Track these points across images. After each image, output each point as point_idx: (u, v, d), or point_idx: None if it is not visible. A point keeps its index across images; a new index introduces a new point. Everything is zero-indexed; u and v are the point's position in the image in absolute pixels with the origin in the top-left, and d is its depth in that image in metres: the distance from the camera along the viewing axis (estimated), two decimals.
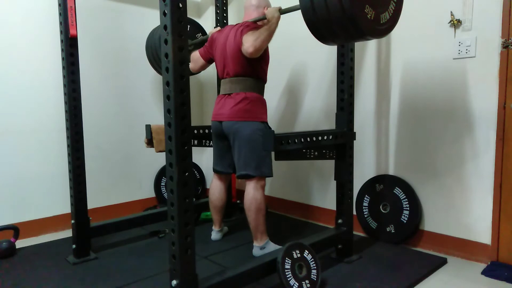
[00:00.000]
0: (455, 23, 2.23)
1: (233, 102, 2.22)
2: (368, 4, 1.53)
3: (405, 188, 2.47)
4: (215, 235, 2.63)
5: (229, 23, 3.22)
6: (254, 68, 2.24)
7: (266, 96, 2.39)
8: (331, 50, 2.74)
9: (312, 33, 1.67)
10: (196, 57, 2.52)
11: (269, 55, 2.35)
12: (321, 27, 1.62)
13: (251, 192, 2.22)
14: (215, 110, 2.35)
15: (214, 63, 2.47)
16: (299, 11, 1.68)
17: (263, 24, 2.25)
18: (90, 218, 2.35)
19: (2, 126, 2.64)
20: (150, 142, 2.53)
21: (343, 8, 1.48)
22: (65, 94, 2.25)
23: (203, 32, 2.98)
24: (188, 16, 1.46)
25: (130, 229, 2.65)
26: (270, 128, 2.27)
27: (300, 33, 2.98)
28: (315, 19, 1.59)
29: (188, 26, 2.76)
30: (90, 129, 2.82)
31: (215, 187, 2.55)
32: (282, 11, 2.14)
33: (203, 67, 2.54)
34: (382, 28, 1.62)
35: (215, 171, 2.52)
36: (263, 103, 2.29)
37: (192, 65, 2.54)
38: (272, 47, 2.57)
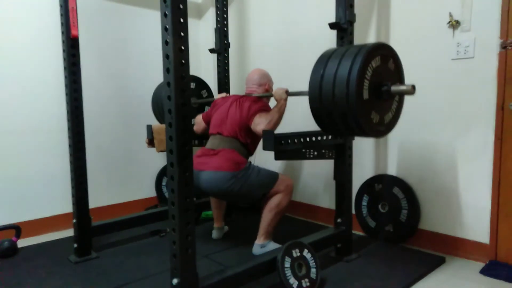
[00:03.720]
0: (454, 24, 2.24)
1: (219, 155, 2.21)
2: (374, 110, 1.54)
3: (404, 188, 2.49)
4: (215, 233, 2.65)
5: (229, 25, 3.23)
6: (248, 141, 2.30)
7: None
8: None
9: (316, 122, 1.66)
10: (199, 120, 2.63)
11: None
12: (325, 120, 1.61)
13: (279, 196, 2.23)
14: (195, 160, 2.22)
15: None
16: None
17: (268, 99, 2.43)
18: (92, 217, 2.37)
19: (4, 126, 2.66)
20: (151, 142, 2.54)
21: (349, 110, 1.47)
22: (66, 94, 2.26)
23: (208, 89, 3.04)
24: (189, 16, 1.47)
25: (131, 228, 2.67)
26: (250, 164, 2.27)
27: (301, 34, 3.01)
28: (320, 111, 1.59)
29: (193, 83, 2.91)
30: (91, 129, 2.83)
31: None
32: (289, 94, 2.23)
33: (204, 130, 2.61)
34: (383, 129, 1.63)
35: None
36: (245, 165, 2.24)
37: (195, 128, 2.64)
38: (273, 46, 2.59)
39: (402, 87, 1.56)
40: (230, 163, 2.16)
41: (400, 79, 1.66)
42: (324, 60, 1.57)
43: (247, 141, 2.31)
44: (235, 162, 2.18)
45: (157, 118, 2.98)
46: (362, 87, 1.47)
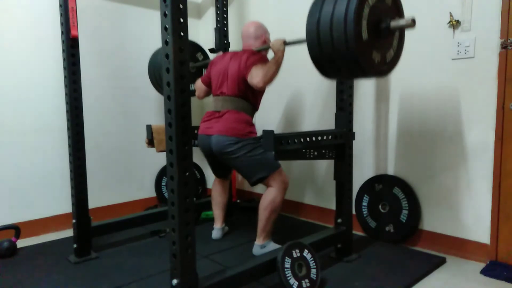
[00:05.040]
0: (454, 24, 2.24)
1: (224, 118, 2.23)
2: (375, 50, 1.50)
3: (404, 188, 2.48)
4: (215, 233, 2.64)
5: (229, 25, 3.23)
6: (250, 94, 2.29)
7: (266, 95, 2.40)
8: None
9: (316, 67, 1.64)
10: (198, 84, 2.60)
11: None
12: (325, 65, 1.58)
13: (273, 193, 2.23)
14: (203, 124, 2.34)
15: None
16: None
17: (266, 52, 2.38)
18: (91, 217, 2.36)
19: (3, 125, 2.65)
20: (151, 142, 2.54)
21: (350, 53, 1.44)
22: (66, 94, 2.26)
23: (202, 51, 3.01)
24: (189, 16, 1.46)
25: (131, 228, 2.66)
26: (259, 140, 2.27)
27: (301, 33, 3.00)
28: (320, 57, 1.55)
29: None
30: (91, 129, 2.83)
31: (217, 183, 2.64)
32: (287, 43, 2.20)
33: (206, 92, 2.59)
34: (386, 68, 1.59)
35: (215, 174, 2.62)
36: (252, 125, 2.29)
37: (197, 93, 2.63)
38: None
39: (402, 22, 1.50)
40: (239, 125, 2.19)
41: (399, 13, 1.60)
42: (319, 1, 1.52)
43: (249, 95, 2.28)
44: (243, 126, 2.20)
45: (154, 86, 2.96)
46: (361, 28, 1.42)
